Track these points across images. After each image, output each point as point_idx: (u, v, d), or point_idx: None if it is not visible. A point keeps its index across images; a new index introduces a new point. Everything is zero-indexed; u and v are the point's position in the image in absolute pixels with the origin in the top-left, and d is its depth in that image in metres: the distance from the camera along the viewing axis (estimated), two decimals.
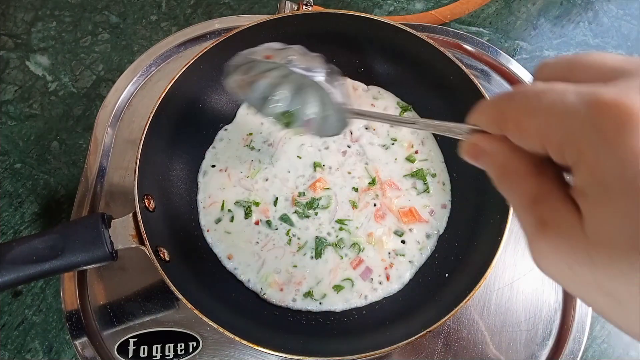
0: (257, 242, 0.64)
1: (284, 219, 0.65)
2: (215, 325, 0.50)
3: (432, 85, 0.67)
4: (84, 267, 0.54)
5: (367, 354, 0.50)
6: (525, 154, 0.26)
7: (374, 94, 0.72)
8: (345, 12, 0.65)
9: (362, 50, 0.70)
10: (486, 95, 0.59)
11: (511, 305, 0.64)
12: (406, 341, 0.51)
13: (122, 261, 0.58)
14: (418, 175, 0.67)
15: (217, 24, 0.80)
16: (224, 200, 0.66)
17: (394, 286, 0.62)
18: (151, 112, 0.60)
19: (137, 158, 0.57)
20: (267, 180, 0.67)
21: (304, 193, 0.66)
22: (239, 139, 0.70)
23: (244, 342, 0.50)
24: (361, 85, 0.72)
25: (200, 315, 0.51)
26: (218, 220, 0.65)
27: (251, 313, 0.59)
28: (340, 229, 0.64)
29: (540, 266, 0.25)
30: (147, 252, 0.54)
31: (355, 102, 0.70)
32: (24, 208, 0.73)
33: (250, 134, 0.70)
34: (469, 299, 0.52)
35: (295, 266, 0.62)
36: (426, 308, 0.57)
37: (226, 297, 0.59)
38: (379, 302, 0.61)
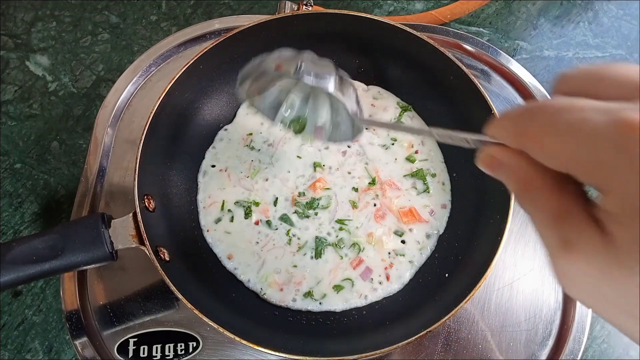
0: (257, 242, 0.64)
1: (284, 219, 0.65)
2: (215, 325, 0.50)
3: (432, 85, 0.67)
4: (84, 267, 0.54)
5: (367, 354, 0.50)
6: (545, 169, 0.25)
7: (374, 94, 0.72)
8: (345, 12, 0.65)
9: (362, 50, 0.70)
10: (486, 95, 0.59)
11: (511, 305, 0.64)
12: (406, 341, 0.51)
13: (122, 261, 0.58)
14: (418, 175, 0.67)
15: (217, 24, 0.80)
16: (224, 200, 0.66)
17: (394, 286, 0.62)
18: (151, 112, 0.60)
19: (137, 158, 0.57)
20: (267, 180, 0.67)
21: (304, 193, 0.66)
22: (239, 139, 0.70)
23: (244, 342, 0.50)
24: (361, 85, 0.72)
25: (200, 315, 0.51)
26: (218, 220, 0.65)
27: (251, 313, 0.59)
28: (340, 229, 0.64)
29: (566, 288, 0.25)
30: (147, 252, 0.54)
31: None
32: (24, 208, 0.73)
33: (250, 134, 0.70)
34: (469, 299, 0.52)
35: (295, 266, 0.62)
36: (426, 308, 0.57)
37: (226, 297, 0.59)
38: (379, 302, 0.61)
